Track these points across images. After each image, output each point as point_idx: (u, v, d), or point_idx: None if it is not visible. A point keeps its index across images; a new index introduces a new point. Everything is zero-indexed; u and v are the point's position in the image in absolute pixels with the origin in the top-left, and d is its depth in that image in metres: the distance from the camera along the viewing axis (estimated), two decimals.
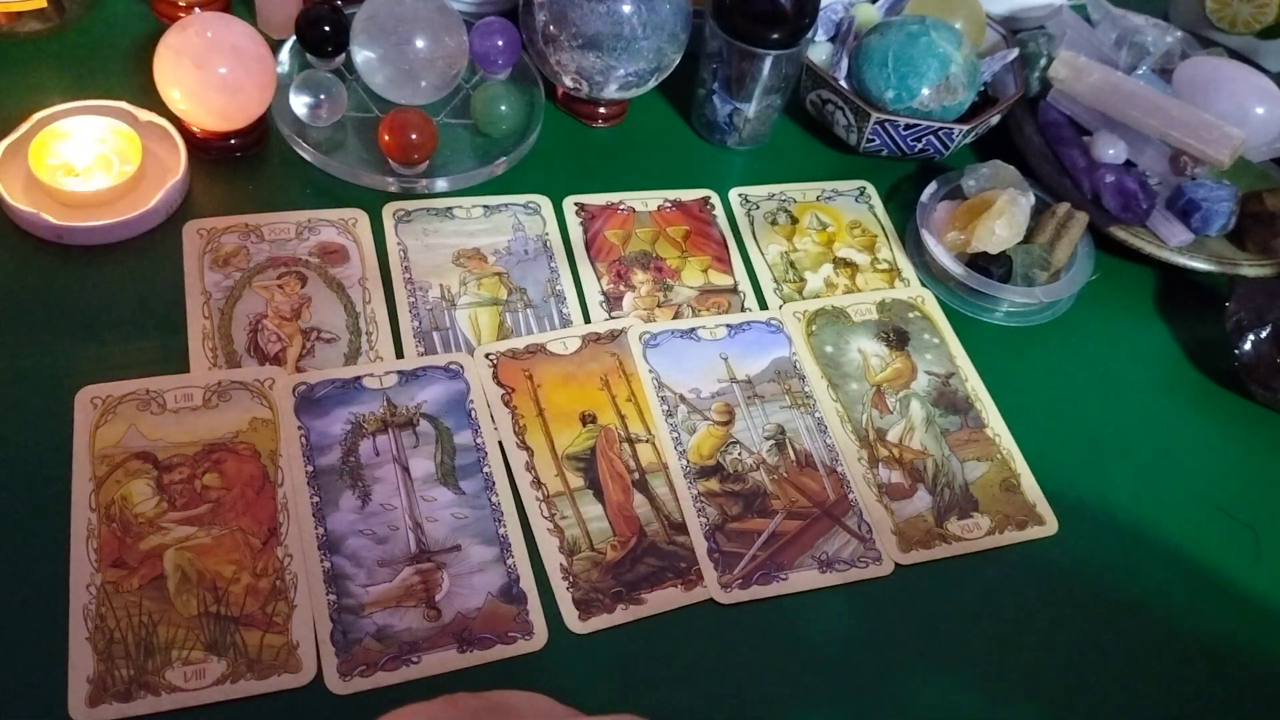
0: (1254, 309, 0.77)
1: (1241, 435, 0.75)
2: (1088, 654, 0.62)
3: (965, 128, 0.81)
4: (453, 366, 0.66)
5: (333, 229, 0.72)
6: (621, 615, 0.58)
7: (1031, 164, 0.85)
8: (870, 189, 0.85)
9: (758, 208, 0.81)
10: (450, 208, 0.75)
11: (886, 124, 0.81)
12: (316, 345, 0.66)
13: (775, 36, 0.77)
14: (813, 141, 0.88)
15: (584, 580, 0.59)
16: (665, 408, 0.67)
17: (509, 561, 0.59)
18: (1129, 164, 0.86)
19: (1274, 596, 0.66)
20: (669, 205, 0.80)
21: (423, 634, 0.55)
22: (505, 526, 0.60)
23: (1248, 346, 0.76)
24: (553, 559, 0.59)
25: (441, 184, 0.75)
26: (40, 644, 0.52)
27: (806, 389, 0.71)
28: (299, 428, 0.61)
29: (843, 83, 0.83)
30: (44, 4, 0.77)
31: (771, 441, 0.67)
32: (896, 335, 0.75)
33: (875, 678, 0.59)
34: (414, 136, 0.72)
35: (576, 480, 0.63)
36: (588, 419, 0.66)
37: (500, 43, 0.77)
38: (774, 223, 0.81)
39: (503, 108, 0.77)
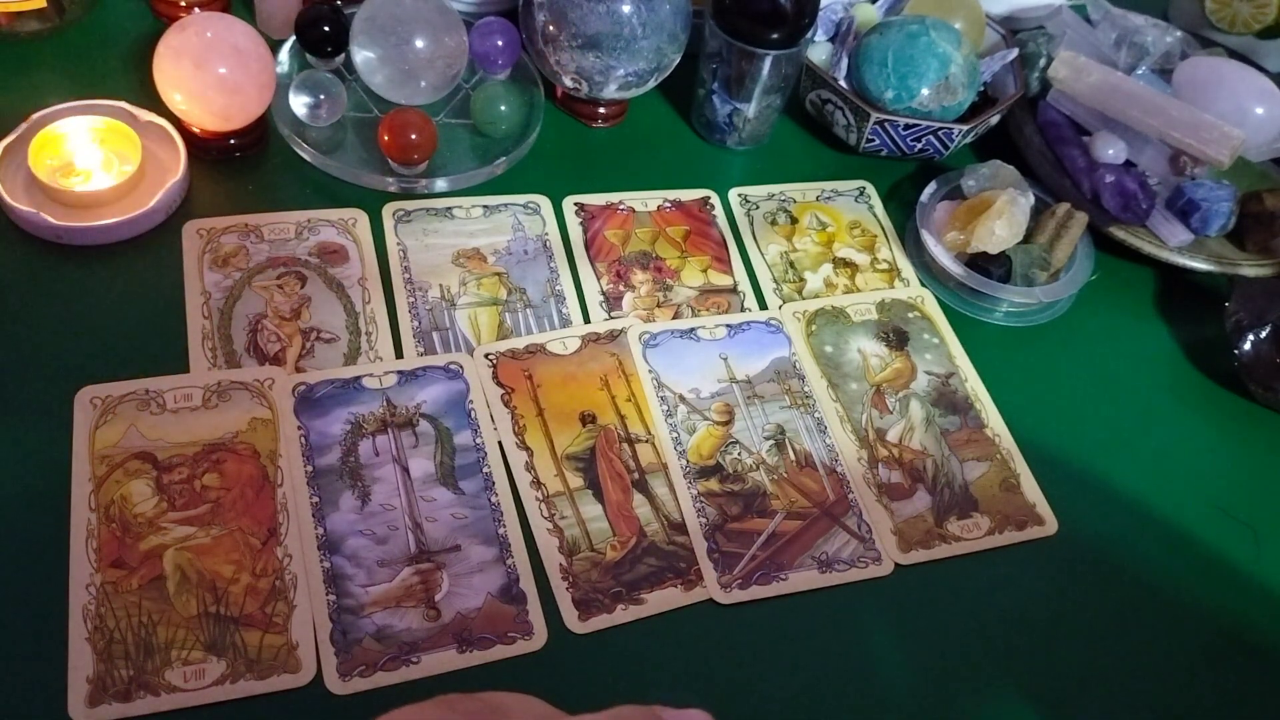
0: (1254, 309, 0.77)
1: (1241, 435, 0.75)
2: (1087, 654, 0.62)
3: (965, 128, 0.81)
4: (452, 366, 0.66)
5: (332, 229, 0.72)
6: (621, 615, 0.58)
7: (1031, 164, 0.85)
8: (870, 189, 0.85)
9: (757, 208, 0.81)
10: (450, 208, 0.75)
11: (886, 124, 0.81)
12: (316, 345, 0.66)
13: (775, 36, 0.77)
14: (813, 141, 0.88)
15: (584, 580, 0.59)
16: (665, 408, 0.67)
17: (509, 561, 0.59)
18: (1129, 164, 0.86)
19: (1274, 596, 0.66)
20: (669, 205, 0.80)
21: (422, 634, 0.55)
22: (505, 526, 0.60)
23: (1248, 346, 0.76)
24: (552, 559, 0.59)
25: (441, 184, 0.75)
26: (40, 644, 0.52)
27: (806, 389, 0.71)
28: (299, 428, 0.61)
29: (842, 83, 0.83)
30: (44, 4, 0.76)
31: (771, 441, 0.67)
32: (896, 335, 0.75)
33: (875, 678, 0.59)
34: (414, 136, 0.72)
35: (576, 480, 0.63)
36: (587, 419, 0.66)
37: (500, 43, 0.77)
38: (774, 223, 0.81)
39: (502, 108, 0.77)
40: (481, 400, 0.65)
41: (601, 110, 0.83)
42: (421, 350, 0.67)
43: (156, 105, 0.71)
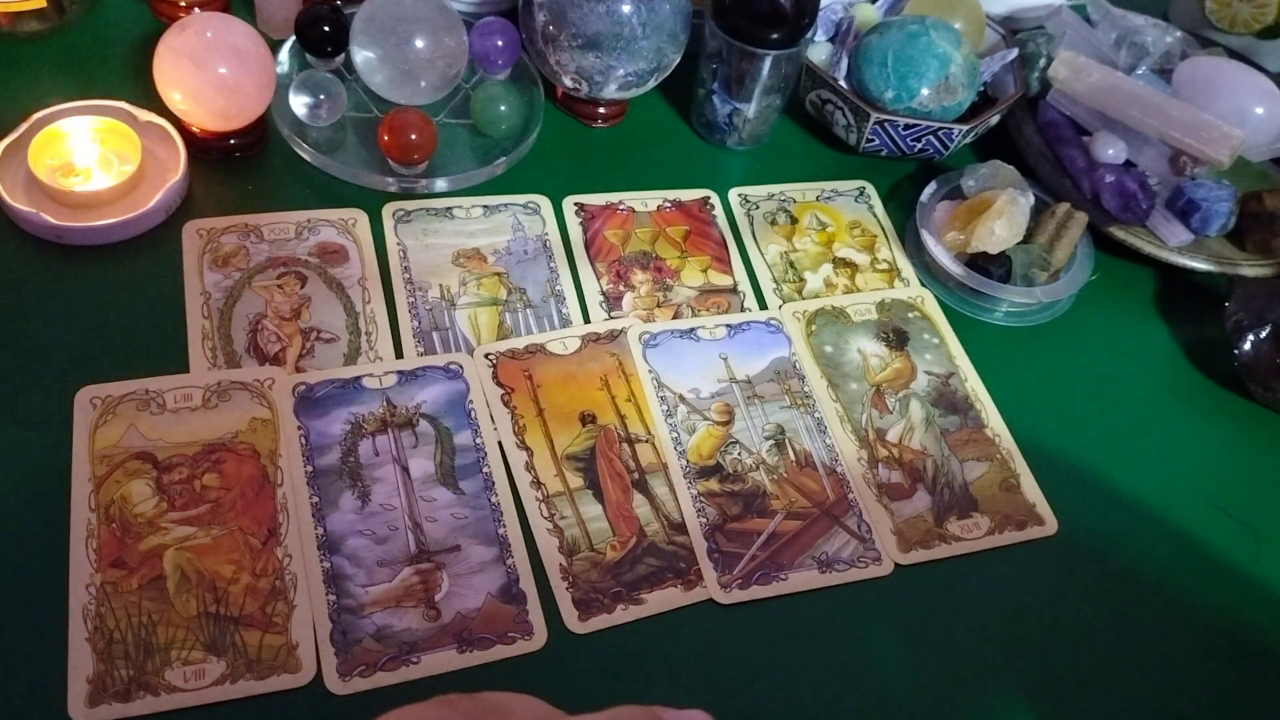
0: (1254, 309, 0.77)
1: (1241, 435, 0.75)
2: (1087, 654, 0.62)
3: (965, 128, 0.81)
4: (452, 366, 0.66)
5: (332, 229, 0.72)
6: (621, 615, 0.58)
7: (1031, 164, 0.85)
8: (870, 189, 0.85)
9: (757, 208, 0.81)
10: (450, 208, 0.75)
11: (886, 124, 0.81)
12: (316, 345, 0.66)
13: (775, 36, 0.77)
14: (812, 141, 0.88)
15: (584, 580, 0.59)
16: (665, 408, 0.67)
17: (508, 561, 0.59)
18: (1129, 164, 0.86)
19: (1274, 596, 0.66)
20: (669, 205, 0.80)
21: (422, 634, 0.55)
22: (505, 526, 0.60)
23: (1247, 346, 0.76)
24: (552, 559, 0.59)
25: (441, 184, 0.75)
26: (40, 644, 0.52)
27: (806, 389, 0.71)
28: (298, 428, 0.61)
29: (842, 83, 0.83)
30: (44, 4, 0.76)
31: (771, 441, 0.67)
32: (896, 335, 0.75)
33: (875, 678, 0.59)
34: (414, 136, 0.72)
35: (576, 480, 0.63)
36: (587, 419, 0.66)
37: (500, 43, 0.77)
38: (774, 223, 0.81)
39: (502, 108, 0.77)
40: (481, 400, 0.65)
41: (601, 110, 0.83)
42: (421, 350, 0.67)
43: (156, 105, 0.71)
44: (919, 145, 0.83)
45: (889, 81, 0.80)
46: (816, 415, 0.69)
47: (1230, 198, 0.82)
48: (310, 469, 0.60)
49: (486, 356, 0.67)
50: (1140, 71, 0.89)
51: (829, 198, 0.84)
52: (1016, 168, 0.81)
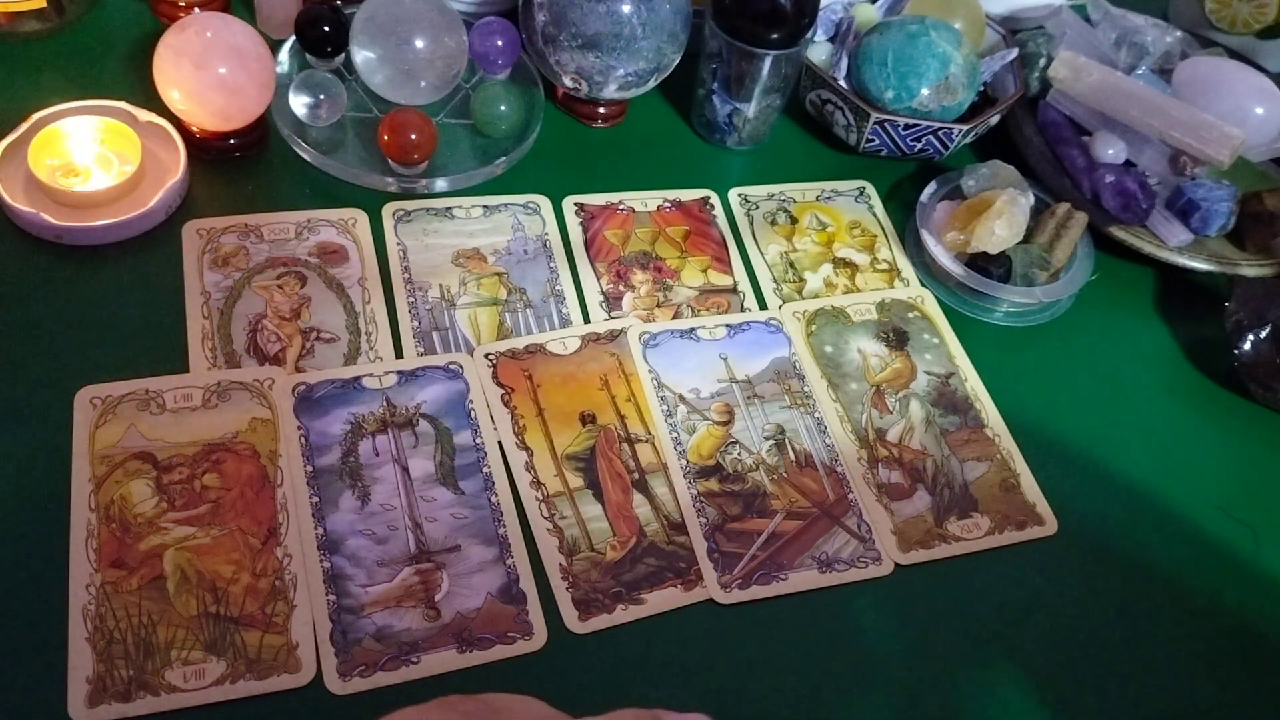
0: (1254, 309, 0.77)
1: (1241, 435, 0.75)
2: (1087, 654, 0.62)
3: (965, 128, 0.81)
4: (452, 366, 0.66)
5: (332, 229, 0.72)
6: (621, 615, 0.58)
7: (1031, 164, 0.85)
8: (870, 189, 0.85)
9: (757, 208, 0.81)
10: (450, 208, 0.75)
11: (886, 124, 0.81)
12: (316, 345, 0.66)
13: (775, 36, 0.77)
14: (812, 141, 0.88)
15: (583, 580, 0.59)
16: (665, 408, 0.67)
17: (508, 561, 0.59)
18: (1129, 164, 0.86)
19: (1274, 596, 0.66)
20: (668, 205, 0.80)
21: (422, 634, 0.55)
22: (505, 526, 0.60)
23: (1247, 346, 0.76)
24: (552, 559, 0.59)
25: (441, 184, 0.75)
26: (40, 644, 0.52)
27: (806, 389, 0.71)
28: (298, 428, 0.61)
29: (842, 83, 0.83)
30: (44, 4, 0.77)
31: (771, 441, 0.67)
32: (896, 335, 0.75)
33: (875, 678, 0.59)
34: (413, 136, 0.72)
35: (576, 480, 0.63)
36: (587, 419, 0.66)
37: (500, 43, 0.77)
38: (774, 223, 0.81)
39: (502, 108, 0.77)
40: (481, 400, 0.65)
41: (601, 110, 0.83)
42: (421, 350, 0.67)
43: (156, 105, 0.71)
44: (919, 145, 0.83)
45: (889, 81, 0.80)
46: (816, 415, 0.69)
47: (1230, 198, 0.82)
48: (310, 469, 0.60)
49: (486, 356, 0.67)
50: (1140, 71, 0.89)
51: (829, 198, 0.84)
52: (1016, 168, 0.81)
